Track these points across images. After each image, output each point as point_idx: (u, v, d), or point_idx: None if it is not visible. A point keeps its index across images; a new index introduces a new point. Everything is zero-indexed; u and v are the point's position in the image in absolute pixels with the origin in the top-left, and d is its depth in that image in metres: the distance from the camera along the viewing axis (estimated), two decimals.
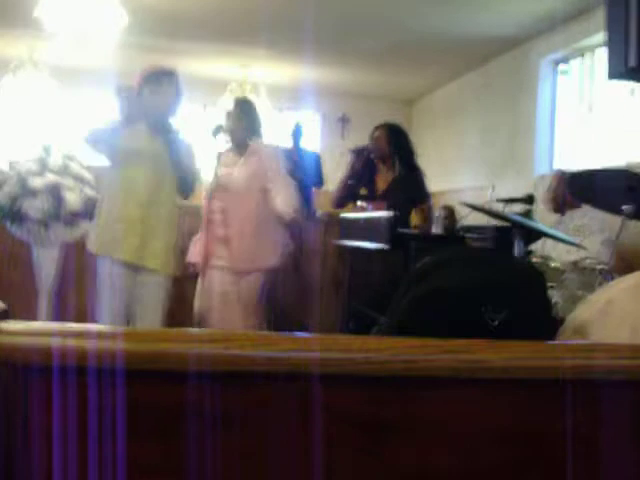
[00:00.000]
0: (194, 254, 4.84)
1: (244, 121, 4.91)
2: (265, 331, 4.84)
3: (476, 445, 1.23)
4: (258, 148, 4.92)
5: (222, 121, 4.92)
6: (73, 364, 1.08)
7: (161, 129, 4.45)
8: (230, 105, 5.07)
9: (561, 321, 3.17)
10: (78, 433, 1.12)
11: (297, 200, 4.90)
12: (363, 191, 5.72)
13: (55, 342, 1.07)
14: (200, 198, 4.87)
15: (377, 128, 5.81)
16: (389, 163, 5.68)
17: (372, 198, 5.57)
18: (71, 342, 1.08)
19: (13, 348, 1.07)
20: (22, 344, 1.07)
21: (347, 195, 5.77)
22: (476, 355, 1.17)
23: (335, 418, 1.18)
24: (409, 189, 5.55)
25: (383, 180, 5.69)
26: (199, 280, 4.76)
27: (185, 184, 4.44)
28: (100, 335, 1.11)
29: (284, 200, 4.74)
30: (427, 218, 5.62)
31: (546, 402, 1.26)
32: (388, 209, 4.99)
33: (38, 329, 1.11)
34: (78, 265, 5.36)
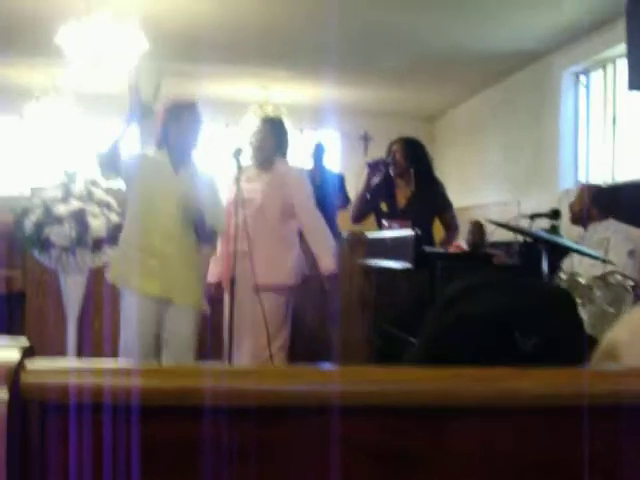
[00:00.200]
0: (213, 274, 4.82)
1: (273, 139, 4.90)
2: (287, 352, 4.83)
3: (505, 477, 1.21)
4: (284, 168, 4.90)
5: (245, 140, 4.91)
6: (89, 402, 1.07)
7: (185, 163, 4.44)
8: (254, 123, 5.05)
9: (590, 338, 3.13)
10: (94, 469, 1.11)
11: (335, 247, 4.91)
12: (384, 207, 5.69)
13: (72, 381, 1.06)
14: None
15: (393, 143, 5.77)
16: (407, 177, 5.64)
17: (393, 213, 5.54)
18: (87, 380, 1.07)
19: (32, 386, 1.06)
20: (40, 383, 1.06)
21: (365, 209, 5.74)
22: (508, 383, 1.15)
23: (360, 451, 1.16)
24: (429, 202, 5.52)
25: (402, 195, 5.65)
26: (225, 297, 4.73)
27: (204, 236, 4.40)
28: (116, 373, 1.09)
29: (324, 252, 4.79)
30: (451, 227, 5.57)
31: (581, 430, 1.23)
32: (410, 224, 4.97)
33: (55, 368, 1.10)
34: (105, 291, 5.36)
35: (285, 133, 5.02)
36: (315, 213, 4.90)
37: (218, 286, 4.80)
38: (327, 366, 1.17)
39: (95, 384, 1.06)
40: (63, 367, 1.11)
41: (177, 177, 4.40)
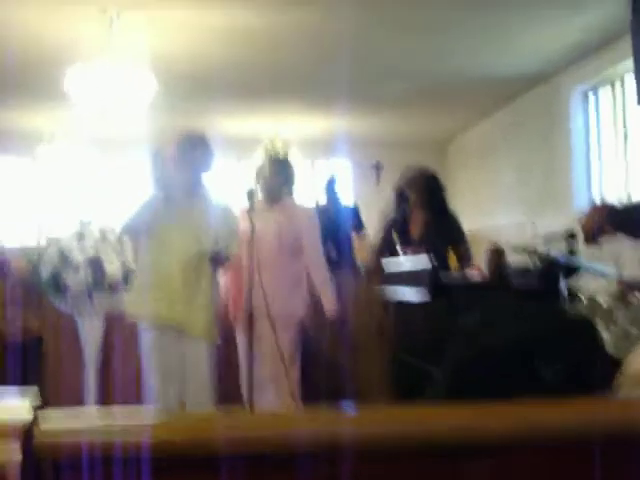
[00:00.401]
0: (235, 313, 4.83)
1: (280, 178, 4.95)
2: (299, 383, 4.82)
3: None
4: (293, 206, 4.99)
5: (253, 178, 4.94)
6: (101, 457, 1.05)
7: (196, 194, 4.45)
8: (261, 162, 5.07)
9: (613, 359, 3.09)
10: None
11: (333, 291, 5.02)
12: (396, 237, 5.68)
13: (85, 439, 1.04)
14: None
15: (407, 175, 5.79)
16: (421, 209, 5.64)
17: (407, 244, 5.54)
18: (100, 438, 1.04)
19: (45, 446, 1.04)
20: (54, 442, 1.04)
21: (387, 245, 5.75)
22: (532, 417, 1.12)
23: None
24: (444, 233, 5.51)
25: (416, 226, 5.66)
26: (238, 331, 4.74)
27: (217, 259, 4.42)
28: (127, 431, 1.07)
29: (327, 294, 4.92)
30: (464, 258, 5.53)
31: (612, 460, 1.19)
32: (426, 253, 4.97)
33: (69, 428, 1.08)
34: (122, 333, 5.35)
35: (292, 171, 5.09)
36: (321, 256, 5.03)
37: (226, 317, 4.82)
38: (341, 409, 1.13)
39: (108, 442, 1.04)
40: (76, 427, 1.08)
41: (190, 210, 4.41)
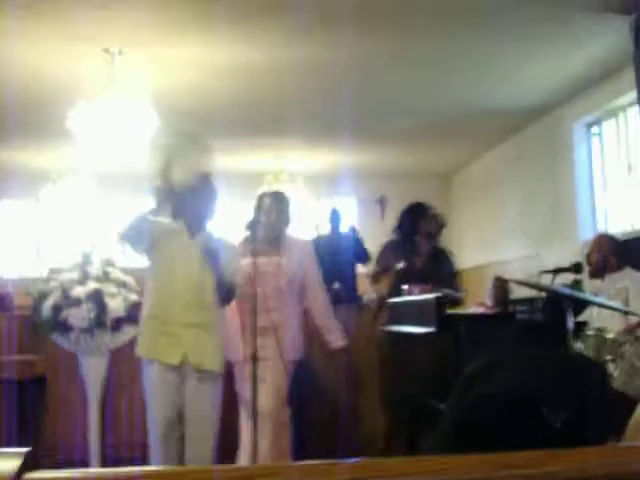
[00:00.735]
0: (232, 350, 4.79)
1: (283, 215, 4.94)
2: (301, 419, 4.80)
3: None
4: (293, 240, 4.99)
5: (253, 215, 4.91)
6: None
7: (200, 232, 4.45)
8: (263, 200, 5.04)
9: (621, 395, 3.03)
10: None
11: (339, 326, 5.02)
12: (402, 264, 5.74)
13: None
14: None
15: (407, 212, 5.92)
16: (417, 243, 5.75)
17: (411, 273, 5.59)
18: None
19: None
20: None
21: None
22: (538, 469, 1.08)
23: None
24: (444, 265, 5.62)
25: (419, 256, 5.75)
26: (243, 372, 4.69)
27: (222, 300, 4.41)
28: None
29: (333, 327, 4.96)
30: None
31: None
32: (430, 288, 5.02)
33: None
34: (126, 371, 5.32)
35: (289, 206, 5.07)
36: (323, 289, 5.04)
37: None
38: (347, 461, 1.09)
39: None
40: None
41: (193, 246, 4.41)
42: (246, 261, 4.49)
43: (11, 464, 1.04)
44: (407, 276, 5.61)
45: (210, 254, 4.31)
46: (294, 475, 1.05)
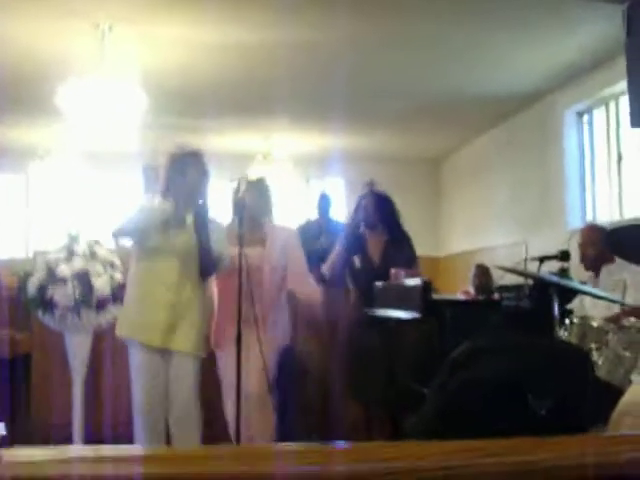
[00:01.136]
0: (217, 337, 4.79)
1: (261, 201, 4.89)
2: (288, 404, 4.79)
3: None
4: (276, 230, 4.92)
5: (231, 201, 4.87)
6: None
7: (189, 211, 4.43)
8: (238, 185, 4.97)
9: (606, 384, 3.04)
10: None
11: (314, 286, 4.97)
12: (357, 261, 5.71)
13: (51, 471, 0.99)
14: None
15: (363, 197, 5.81)
16: (378, 231, 5.69)
17: (367, 268, 5.56)
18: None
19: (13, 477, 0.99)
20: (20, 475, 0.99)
21: (343, 268, 5.79)
22: (521, 456, 1.07)
23: None
24: (403, 252, 5.56)
25: (374, 246, 5.69)
26: (224, 360, 4.69)
27: (207, 267, 4.42)
28: (84, 459, 1.02)
29: (309, 291, 4.88)
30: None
31: None
32: (417, 270, 5.02)
33: (34, 458, 1.02)
34: (110, 350, 5.31)
35: (269, 193, 5.01)
36: (306, 270, 4.97)
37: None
38: (331, 445, 1.09)
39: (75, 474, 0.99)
40: (39, 457, 1.03)
41: (181, 226, 4.39)
42: (232, 250, 4.47)
43: None
44: (364, 272, 5.61)
45: (200, 220, 4.32)
46: (291, 457, 1.04)
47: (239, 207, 4.48)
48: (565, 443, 1.12)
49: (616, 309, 4.49)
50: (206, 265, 4.41)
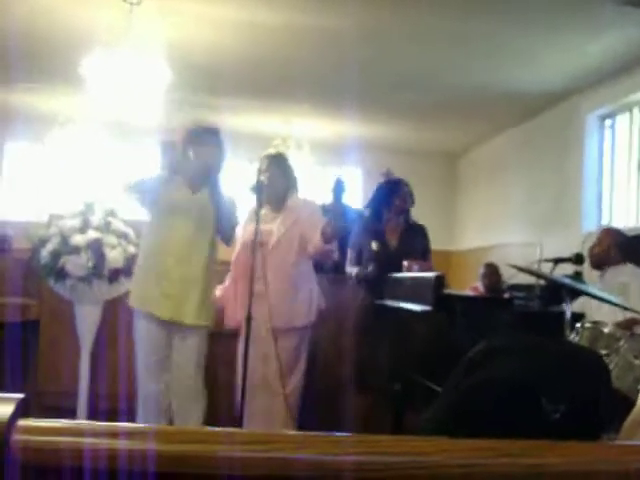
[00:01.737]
0: (231, 314, 4.79)
1: (283, 178, 4.85)
2: (299, 394, 4.75)
3: None
4: (297, 204, 4.83)
5: (255, 178, 4.86)
6: (82, 465, 1.00)
7: (204, 185, 4.45)
8: (261, 162, 4.96)
9: (616, 391, 3.02)
10: None
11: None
12: (374, 245, 5.72)
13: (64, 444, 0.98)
14: (231, 254, 4.86)
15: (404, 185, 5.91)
16: (397, 219, 5.74)
17: (386, 252, 5.57)
18: (71, 442, 0.99)
19: (26, 448, 0.99)
20: (35, 444, 0.99)
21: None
22: (535, 459, 1.07)
23: None
24: (421, 239, 5.62)
25: (392, 234, 5.73)
26: (240, 338, 4.68)
27: (226, 230, 4.44)
28: (98, 433, 1.02)
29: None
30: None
31: None
32: (430, 263, 5.04)
33: (49, 428, 1.02)
34: (119, 322, 5.32)
35: (291, 167, 4.95)
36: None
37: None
38: (340, 435, 1.08)
39: (91, 446, 0.99)
40: (54, 428, 1.03)
41: (193, 198, 4.41)
42: (250, 228, 4.47)
43: (4, 410, 1.03)
44: (382, 255, 5.63)
45: (215, 190, 4.34)
46: (307, 446, 1.04)
47: (259, 185, 4.47)
48: (582, 449, 1.11)
49: (620, 312, 4.48)
50: (224, 228, 4.44)
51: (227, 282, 4.88)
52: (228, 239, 4.53)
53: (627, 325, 4.18)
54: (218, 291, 4.85)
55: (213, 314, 4.57)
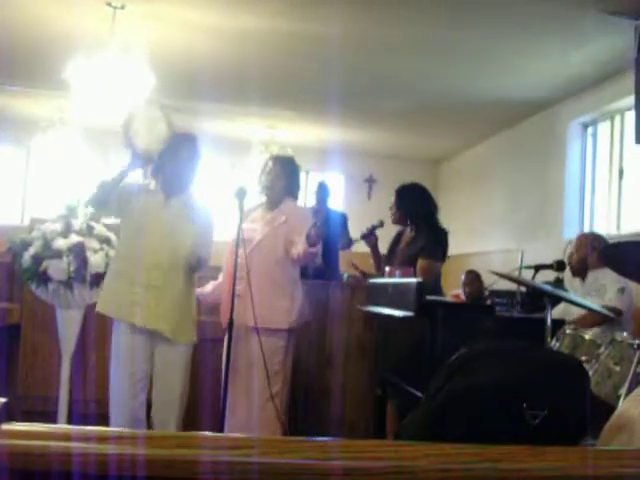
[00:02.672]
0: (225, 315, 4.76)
1: (283, 180, 4.85)
2: (285, 398, 4.74)
3: None
4: (289, 209, 4.82)
5: (254, 178, 4.86)
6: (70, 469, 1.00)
7: (178, 194, 4.43)
8: (264, 162, 4.98)
9: (594, 398, 3.04)
10: None
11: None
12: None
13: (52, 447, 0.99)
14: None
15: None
16: (408, 225, 5.66)
17: (391, 256, 5.53)
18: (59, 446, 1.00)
19: (12, 452, 0.99)
20: (21, 448, 0.99)
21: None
22: (516, 464, 1.08)
23: None
24: (417, 243, 5.51)
25: (404, 239, 5.69)
26: (225, 338, 4.65)
27: (194, 265, 4.38)
28: (86, 438, 1.03)
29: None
30: (424, 273, 5.27)
31: None
32: (412, 268, 4.99)
33: (34, 432, 1.03)
34: (100, 327, 5.30)
35: (296, 173, 4.95)
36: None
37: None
38: (326, 440, 1.09)
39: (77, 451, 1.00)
40: (41, 432, 1.03)
41: (167, 207, 4.39)
42: (244, 226, 4.43)
43: None
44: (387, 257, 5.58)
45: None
46: (290, 450, 1.05)
47: (241, 192, 4.43)
48: (562, 454, 1.13)
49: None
50: (191, 269, 4.40)
51: (220, 279, 4.86)
52: (195, 269, 4.46)
53: (607, 331, 4.21)
54: (210, 286, 4.84)
55: (194, 328, 4.51)
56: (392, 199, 5.57)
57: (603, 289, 5.09)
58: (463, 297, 7.92)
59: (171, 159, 4.41)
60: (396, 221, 5.55)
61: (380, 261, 5.58)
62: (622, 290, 5.02)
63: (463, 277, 8.17)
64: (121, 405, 4.34)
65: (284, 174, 4.84)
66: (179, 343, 4.37)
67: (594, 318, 4.66)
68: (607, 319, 4.49)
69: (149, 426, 4.41)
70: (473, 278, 8.07)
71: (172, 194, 4.43)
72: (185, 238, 4.34)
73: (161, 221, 4.35)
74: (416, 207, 5.43)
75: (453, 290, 8.44)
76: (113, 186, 4.33)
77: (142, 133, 4.27)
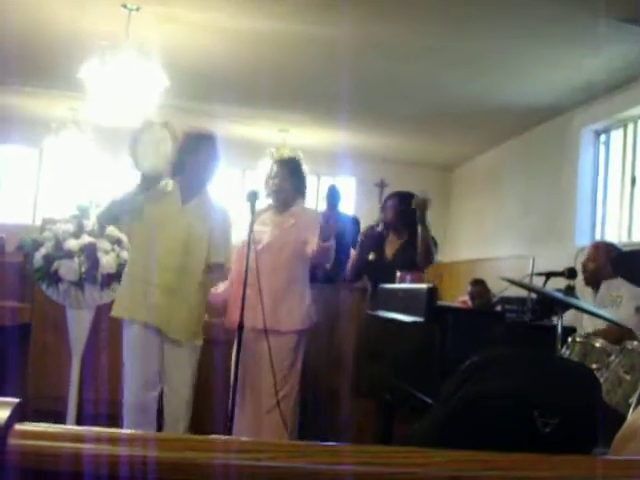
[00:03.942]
0: (230, 317, 4.76)
1: (290, 182, 4.85)
2: (295, 400, 4.74)
3: None
4: (299, 211, 4.84)
5: (262, 183, 4.87)
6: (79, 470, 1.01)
7: (196, 194, 4.44)
8: (271, 166, 4.99)
9: (604, 405, 3.03)
10: None
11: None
12: (371, 255, 5.72)
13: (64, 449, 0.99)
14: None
15: (388, 198, 5.90)
16: (399, 231, 5.71)
17: (380, 263, 5.55)
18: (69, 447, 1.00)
19: (24, 452, 1.00)
20: (33, 449, 0.99)
21: (359, 266, 5.81)
22: (527, 472, 1.08)
23: None
24: (413, 253, 5.55)
25: (391, 246, 5.72)
26: (235, 341, 4.65)
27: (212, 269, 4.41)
28: (98, 439, 1.03)
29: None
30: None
31: None
32: (422, 273, 5.01)
33: (47, 433, 1.03)
34: (110, 327, 5.31)
35: (303, 175, 4.96)
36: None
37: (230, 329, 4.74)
38: (336, 445, 1.09)
39: (89, 452, 1.00)
40: (50, 433, 1.04)
41: (184, 209, 4.39)
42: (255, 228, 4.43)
43: (0, 414, 1.03)
44: (374, 266, 5.63)
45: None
46: (300, 455, 1.05)
47: (252, 194, 4.42)
48: (569, 462, 1.12)
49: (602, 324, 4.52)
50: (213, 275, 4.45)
51: (228, 281, 4.87)
52: (216, 273, 4.51)
53: (618, 340, 4.18)
54: (222, 286, 4.84)
55: (201, 331, 4.53)
56: (390, 201, 5.68)
57: (620, 300, 5.04)
58: (470, 303, 7.92)
59: (191, 159, 4.41)
60: (390, 223, 5.66)
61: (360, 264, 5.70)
62: (639, 310, 4.95)
63: (469, 288, 8.17)
64: (134, 398, 4.35)
65: (290, 175, 4.85)
66: (187, 344, 4.38)
67: (622, 333, 4.61)
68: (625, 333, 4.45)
69: (159, 427, 4.43)
70: (479, 289, 8.06)
71: (190, 194, 4.44)
72: (201, 240, 4.36)
73: (178, 223, 4.35)
74: (414, 216, 5.55)
75: (459, 297, 8.44)
76: (123, 205, 4.34)
77: (149, 155, 4.27)
